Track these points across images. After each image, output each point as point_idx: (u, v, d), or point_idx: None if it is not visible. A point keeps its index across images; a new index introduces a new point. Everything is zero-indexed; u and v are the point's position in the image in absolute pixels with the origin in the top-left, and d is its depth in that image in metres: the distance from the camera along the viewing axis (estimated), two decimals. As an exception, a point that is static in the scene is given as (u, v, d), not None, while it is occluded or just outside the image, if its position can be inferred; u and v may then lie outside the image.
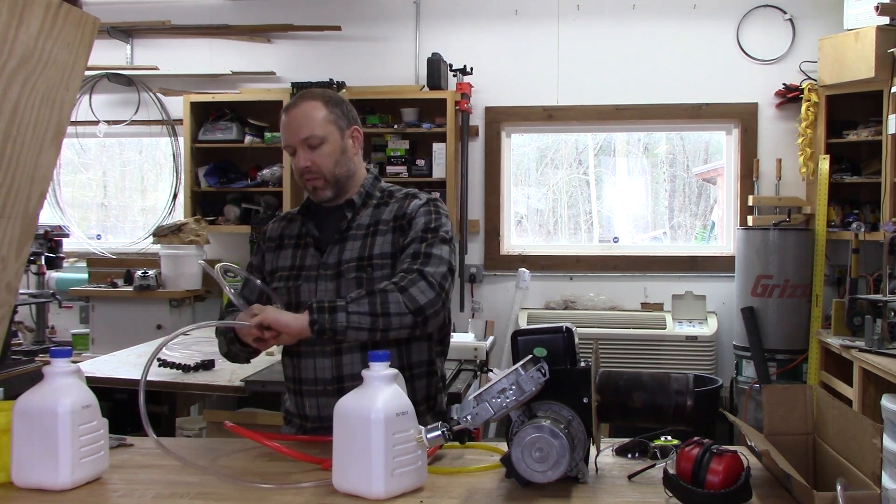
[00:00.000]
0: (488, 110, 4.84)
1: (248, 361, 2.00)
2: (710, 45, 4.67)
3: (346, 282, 1.83)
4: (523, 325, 4.53)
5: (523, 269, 4.67)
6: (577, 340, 1.56)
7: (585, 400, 1.48)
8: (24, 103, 1.42)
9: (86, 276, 4.91)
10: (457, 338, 4.00)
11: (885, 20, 3.86)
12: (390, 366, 1.47)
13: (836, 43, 4.18)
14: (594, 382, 1.49)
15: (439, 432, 1.42)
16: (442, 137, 4.59)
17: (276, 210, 4.72)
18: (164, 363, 3.07)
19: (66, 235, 4.50)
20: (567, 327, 1.55)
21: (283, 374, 1.99)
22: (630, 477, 1.52)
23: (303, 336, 1.70)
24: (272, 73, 4.95)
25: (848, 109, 4.33)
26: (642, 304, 4.71)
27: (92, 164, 5.43)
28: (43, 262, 4.25)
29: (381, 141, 4.72)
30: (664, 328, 4.48)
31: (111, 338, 4.34)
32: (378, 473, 1.37)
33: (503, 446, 1.60)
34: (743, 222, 4.60)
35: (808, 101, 4.36)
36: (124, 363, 3.22)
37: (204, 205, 4.93)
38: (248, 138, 4.78)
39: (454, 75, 4.67)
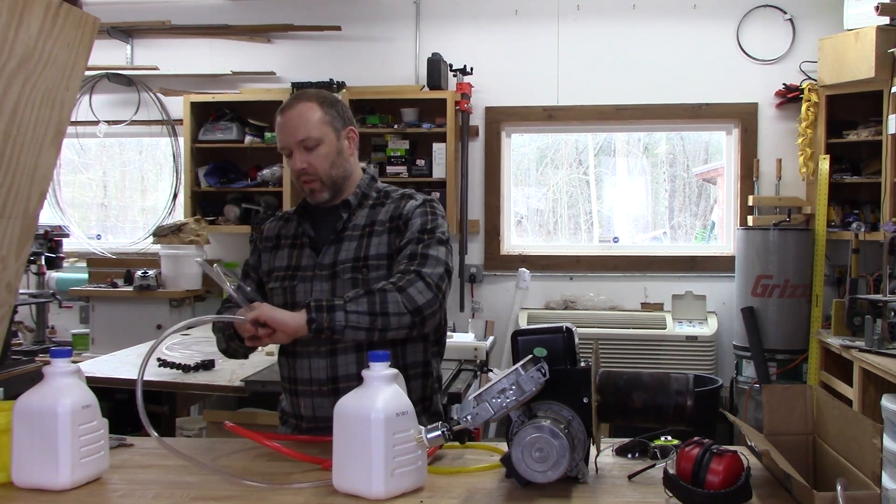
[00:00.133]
0: (488, 110, 4.84)
1: (247, 357, 2.00)
2: (710, 45, 4.67)
3: (342, 282, 1.83)
4: (523, 325, 4.53)
5: (523, 269, 4.67)
6: (577, 340, 1.56)
7: (585, 400, 1.48)
8: (24, 103, 1.42)
9: (86, 276, 4.91)
10: (457, 338, 4.01)
11: (885, 20, 3.86)
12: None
13: (836, 43, 4.18)
14: (594, 382, 1.49)
15: (439, 432, 1.42)
16: (442, 137, 4.59)
17: (277, 210, 4.73)
18: (164, 363, 3.07)
19: (66, 235, 4.49)
20: (567, 327, 1.55)
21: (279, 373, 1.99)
22: (630, 477, 1.52)
23: (299, 335, 1.68)
24: (272, 73, 4.95)
25: (848, 109, 4.33)
26: (642, 304, 4.71)
27: (92, 164, 5.43)
28: (43, 262, 4.25)
29: (381, 141, 4.72)
30: (664, 328, 4.48)
31: (111, 338, 4.34)
32: (378, 473, 1.37)
33: (503, 446, 1.60)
34: (743, 222, 4.60)
35: (808, 101, 4.36)
36: (124, 363, 3.22)
37: (204, 205, 4.93)
38: (248, 138, 4.78)
39: (454, 75, 4.67)
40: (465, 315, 4.74)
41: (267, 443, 1.62)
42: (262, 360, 3.06)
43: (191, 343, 3.52)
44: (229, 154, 4.94)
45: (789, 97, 4.54)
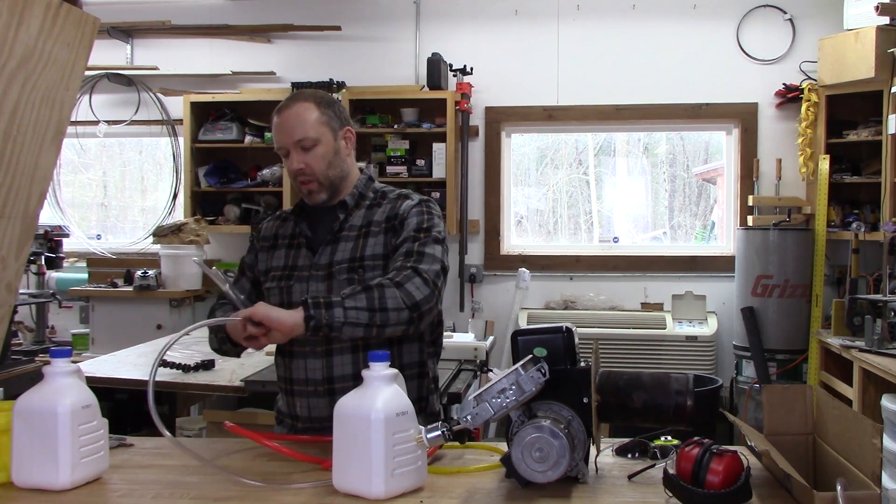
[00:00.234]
0: (488, 110, 4.84)
1: (239, 356, 2.00)
2: (710, 45, 4.67)
3: (338, 283, 1.82)
4: (523, 325, 4.53)
5: (523, 269, 4.67)
6: (577, 340, 1.56)
7: (585, 400, 1.48)
8: (24, 103, 1.42)
9: (86, 276, 4.91)
10: (457, 338, 4.00)
11: (885, 20, 3.86)
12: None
13: (836, 43, 4.18)
14: (594, 382, 1.49)
15: (439, 432, 1.42)
16: (442, 137, 4.59)
17: (277, 210, 4.73)
18: (164, 363, 3.07)
19: (66, 235, 4.49)
20: (567, 327, 1.55)
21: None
22: (630, 477, 1.52)
23: (296, 333, 1.65)
24: (272, 73, 4.95)
25: (848, 109, 4.33)
26: (642, 304, 4.71)
27: (92, 164, 5.43)
28: (43, 262, 4.25)
29: (381, 141, 4.72)
30: (664, 328, 4.48)
31: (111, 338, 4.34)
32: (378, 473, 1.37)
33: (503, 446, 1.60)
34: (743, 222, 4.60)
35: (808, 101, 4.36)
36: (124, 363, 3.22)
37: (204, 205, 4.93)
38: (248, 138, 4.78)
39: (454, 75, 4.67)
40: (465, 315, 4.74)
41: (267, 443, 1.62)
42: (262, 360, 3.06)
43: (191, 343, 3.52)
44: (229, 154, 4.94)
45: (789, 97, 4.54)
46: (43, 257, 4.22)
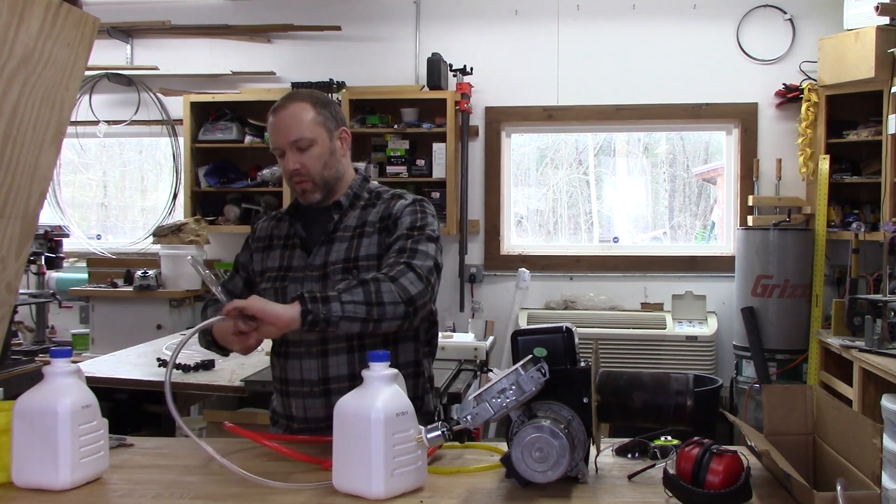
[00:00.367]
0: (488, 110, 4.84)
1: (227, 355, 1.98)
2: (710, 45, 4.67)
3: (333, 283, 1.82)
4: (523, 325, 4.53)
5: (523, 269, 4.67)
6: (577, 340, 1.56)
7: (585, 400, 1.48)
8: (24, 103, 1.42)
9: (86, 276, 4.91)
10: (457, 338, 4.01)
11: (885, 20, 3.86)
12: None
13: (836, 43, 4.18)
14: (594, 382, 1.49)
15: (439, 432, 1.42)
16: (442, 137, 4.59)
17: (276, 210, 4.73)
18: (163, 363, 3.07)
19: (66, 235, 4.49)
20: (567, 327, 1.55)
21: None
22: (630, 477, 1.52)
23: (292, 328, 1.62)
24: (272, 73, 4.96)
25: (848, 109, 4.33)
26: (642, 304, 4.71)
27: (92, 164, 5.43)
28: (43, 262, 4.25)
29: (381, 141, 4.72)
30: (664, 328, 4.48)
31: (111, 338, 4.34)
32: (378, 473, 1.37)
33: (503, 446, 1.60)
34: (743, 222, 4.60)
35: (808, 101, 4.36)
36: (124, 363, 3.22)
37: (204, 205, 4.93)
38: (248, 138, 4.78)
39: (454, 75, 4.67)
40: (465, 315, 4.74)
41: (266, 443, 1.62)
42: (263, 360, 3.05)
43: (191, 343, 3.51)
44: (229, 154, 4.94)
45: (789, 97, 4.54)
46: (43, 257, 4.22)
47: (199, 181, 4.86)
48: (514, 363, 1.47)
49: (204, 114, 4.90)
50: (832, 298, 4.17)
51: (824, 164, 4.28)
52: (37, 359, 3.73)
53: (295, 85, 4.68)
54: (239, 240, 4.97)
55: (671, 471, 1.36)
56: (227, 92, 4.95)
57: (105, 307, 4.53)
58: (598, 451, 1.58)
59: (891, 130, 3.85)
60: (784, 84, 4.57)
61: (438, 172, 4.60)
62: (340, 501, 1.40)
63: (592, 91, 4.74)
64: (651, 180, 5.09)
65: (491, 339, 4.23)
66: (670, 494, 1.35)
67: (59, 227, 4.51)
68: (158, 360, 3.18)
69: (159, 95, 5.07)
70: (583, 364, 1.54)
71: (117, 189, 5.50)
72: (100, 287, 4.66)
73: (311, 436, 1.80)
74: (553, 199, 5.10)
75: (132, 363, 3.21)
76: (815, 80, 4.44)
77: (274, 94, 4.74)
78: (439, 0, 4.87)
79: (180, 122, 4.91)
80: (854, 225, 4.04)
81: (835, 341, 3.80)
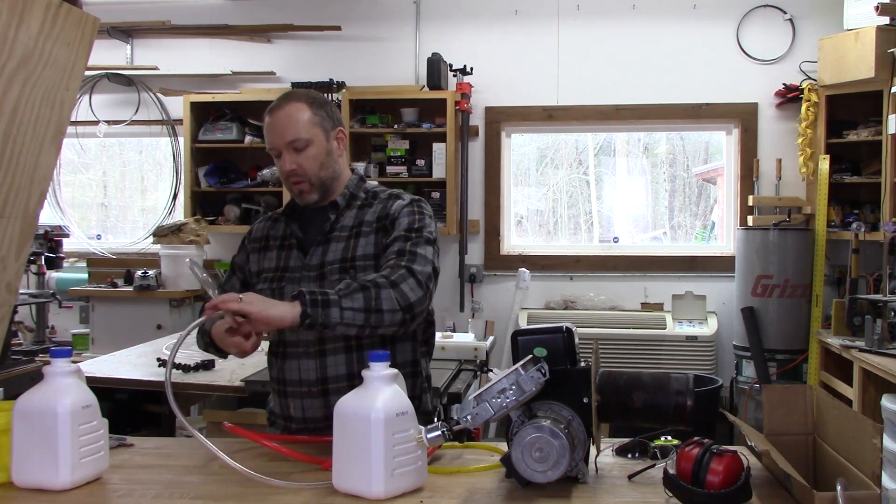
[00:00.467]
0: (488, 110, 4.84)
1: (226, 357, 1.97)
2: (710, 45, 4.67)
3: (329, 283, 1.82)
4: (523, 325, 4.53)
5: (523, 269, 4.67)
6: (577, 340, 1.56)
7: (585, 400, 1.48)
8: (24, 103, 1.42)
9: (86, 276, 4.91)
10: (457, 338, 4.01)
11: (885, 20, 3.86)
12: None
13: (836, 43, 4.18)
14: (594, 382, 1.49)
15: (439, 432, 1.42)
16: (442, 137, 4.59)
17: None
18: (164, 363, 3.07)
19: (66, 235, 4.49)
20: (567, 327, 1.55)
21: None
22: (630, 477, 1.52)
23: (288, 326, 1.63)
24: (272, 73, 4.95)
25: (848, 109, 4.33)
26: (642, 304, 4.71)
27: (92, 164, 5.43)
28: (43, 262, 4.25)
29: (381, 141, 4.72)
30: (664, 328, 4.48)
31: (111, 338, 4.34)
32: (378, 473, 1.37)
33: (503, 446, 1.60)
34: (743, 222, 4.60)
35: (808, 101, 4.36)
36: (124, 363, 3.22)
37: (204, 205, 4.93)
38: (248, 138, 4.78)
39: (454, 75, 4.67)
40: (465, 315, 4.74)
41: (266, 443, 1.62)
42: (262, 360, 3.04)
43: (191, 343, 3.51)
44: (229, 154, 4.94)
45: (789, 97, 4.54)
46: (43, 257, 4.22)
47: (199, 181, 4.86)
48: (514, 363, 1.47)
49: (204, 114, 4.90)
50: (832, 298, 4.17)
51: (824, 164, 4.28)
52: (37, 359, 3.73)
53: (295, 85, 4.68)
54: (239, 240, 4.97)
55: (671, 471, 1.36)
56: (227, 92, 4.95)
57: (105, 307, 4.52)
58: (598, 451, 1.58)
59: (891, 130, 3.85)
60: (784, 84, 4.57)
61: (438, 172, 4.60)
62: (340, 501, 1.40)
63: (592, 91, 4.74)
64: (651, 180, 5.09)
65: (491, 339, 4.23)
66: (670, 494, 1.35)
67: (59, 227, 4.51)
68: (158, 360, 3.18)
69: (159, 95, 5.07)
70: (583, 364, 1.54)
71: (117, 189, 5.50)
72: (100, 287, 4.66)
73: (310, 436, 1.80)
74: (553, 199, 5.10)
75: (132, 363, 3.21)
76: (815, 80, 4.44)
77: (274, 94, 4.70)
78: (439, 0, 4.87)
79: (180, 122, 4.91)
80: (854, 225, 4.04)
81: (835, 341, 3.80)
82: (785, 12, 4.60)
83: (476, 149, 4.85)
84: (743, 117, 4.67)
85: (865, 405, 3.43)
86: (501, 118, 4.85)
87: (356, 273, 1.82)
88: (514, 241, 5.01)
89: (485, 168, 4.87)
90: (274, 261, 1.93)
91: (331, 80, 4.73)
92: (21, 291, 3.87)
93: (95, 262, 5.00)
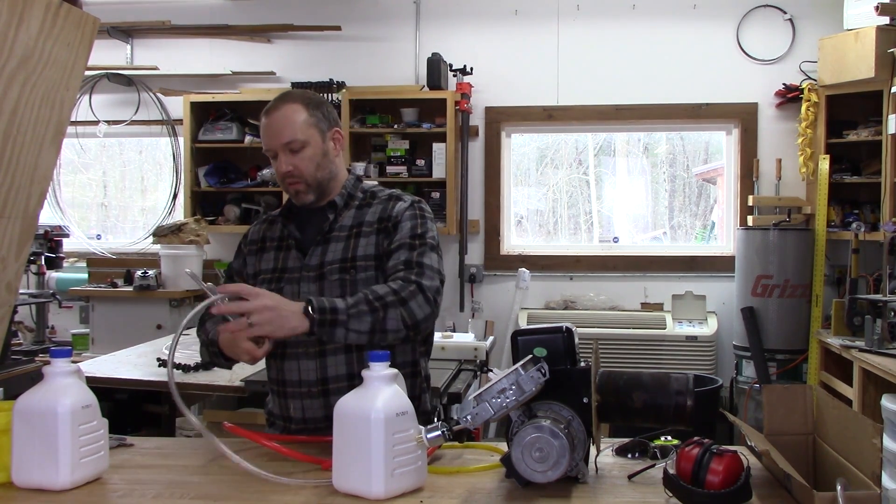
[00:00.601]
0: (488, 110, 4.84)
1: (231, 368, 1.97)
2: (710, 45, 4.67)
3: (329, 283, 1.82)
4: (523, 325, 4.53)
5: (523, 269, 4.67)
6: (577, 340, 1.56)
7: (585, 400, 1.48)
8: (24, 103, 1.42)
9: (86, 276, 4.91)
10: (457, 338, 4.01)
11: (885, 20, 3.86)
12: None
13: (836, 43, 4.18)
14: (594, 382, 1.49)
15: (439, 432, 1.42)
16: (442, 137, 4.59)
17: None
18: (164, 363, 3.07)
19: (66, 235, 4.50)
20: (567, 327, 1.55)
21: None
22: (630, 477, 1.52)
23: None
24: (272, 73, 4.96)
25: (848, 109, 4.33)
26: (642, 304, 4.71)
27: (92, 164, 5.43)
28: (43, 262, 4.25)
29: (381, 141, 4.72)
30: (664, 328, 4.48)
31: (111, 338, 4.34)
32: (378, 473, 1.37)
33: (503, 446, 1.60)
34: (743, 222, 4.60)
35: (808, 101, 4.36)
36: (124, 363, 3.22)
37: (204, 205, 4.93)
38: (248, 138, 4.78)
39: (454, 75, 4.67)
40: (465, 315, 4.74)
41: (266, 443, 1.62)
42: (262, 360, 3.06)
43: (191, 343, 3.51)
44: (229, 154, 4.94)
45: (789, 97, 4.54)
46: (43, 257, 4.22)
47: (199, 181, 4.86)
48: (514, 363, 1.47)
49: (204, 114, 4.90)
50: (832, 298, 4.17)
51: (824, 164, 4.28)
52: (37, 359, 3.73)
53: (295, 85, 4.68)
54: (239, 240, 4.97)
55: (671, 471, 1.36)
56: (227, 92, 4.95)
57: (105, 307, 4.52)
58: (598, 451, 1.58)
59: (891, 130, 3.85)
60: (784, 84, 4.57)
61: (438, 172, 4.60)
62: (340, 501, 1.40)
63: (592, 91, 4.74)
64: (651, 180, 5.09)
65: (491, 339, 4.23)
66: (670, 494, 1.35)
67: (59, 227, 4.51)
68: (158, 360, 3.18)
69: (159, 95, 5.07)
70: (583, 364, 1.54)
71: (117, 189, 5.50)
72: (100, 287, 4.66)
73: (310, 436, 1.80)
74: (553, 199, 5.10)
75: (132, 363, 3.22)
76: (815, 80, 4.44)
77: (274, 94, 4.63)
78: (439, 0, 4.87)
79: (180, 122, 4.91)
80: (854, 225, 4.04)
81: (835, 341, 3.80)
82: (785, 12, 4.60)
83: (476, 149, 4.85)
84: (743, 117, 4.67)
85: (865, 405, 3.43)
86: (501, 118, 4.85)
87: (357, 273, 1.82)
88: (514, 241, 5.01)
89: (485, 168, 4.87)
90: (272, 262, 1.93)
91: (331, 80, 4.73)
92: (21, 291, 3.87)
93: (95, 262, 5.01)
